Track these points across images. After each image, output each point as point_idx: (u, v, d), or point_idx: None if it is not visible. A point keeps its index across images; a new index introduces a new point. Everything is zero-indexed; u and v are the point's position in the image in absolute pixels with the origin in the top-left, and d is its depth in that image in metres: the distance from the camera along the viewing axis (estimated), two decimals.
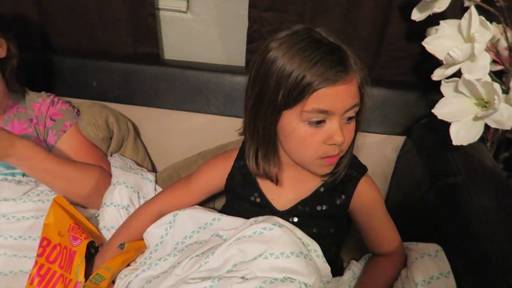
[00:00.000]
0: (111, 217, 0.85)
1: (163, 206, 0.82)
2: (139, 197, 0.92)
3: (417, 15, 0.84)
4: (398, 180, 1.03)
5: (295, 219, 0.74)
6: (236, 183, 0.79)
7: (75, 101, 1.05)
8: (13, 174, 0.90)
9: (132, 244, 0.78)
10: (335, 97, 0.63)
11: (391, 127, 1.04)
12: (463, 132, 0.79)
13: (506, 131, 0.86)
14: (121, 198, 0.89)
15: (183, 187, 0.83)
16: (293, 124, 0.65)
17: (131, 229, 0.82)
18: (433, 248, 0.75)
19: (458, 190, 0.79)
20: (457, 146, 0.81)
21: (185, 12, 1.11)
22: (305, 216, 0.75)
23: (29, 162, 0.85)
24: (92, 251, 0.79)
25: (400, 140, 1.04)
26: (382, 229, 0.78)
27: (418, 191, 0.90)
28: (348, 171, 0.75)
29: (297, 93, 0.62)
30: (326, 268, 0.72)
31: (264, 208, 0.76)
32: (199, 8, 1.10)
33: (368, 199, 0.76)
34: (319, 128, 0.65)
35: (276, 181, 0.74)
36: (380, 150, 1.05)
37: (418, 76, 1.02)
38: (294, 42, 0.63)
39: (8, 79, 0.94)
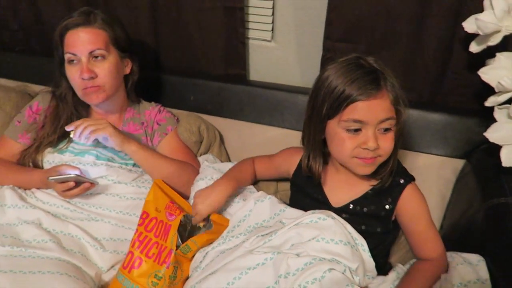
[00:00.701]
0: (200, 187, 1.03)
1: (256, 167, 1.07)
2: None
3: (474, 48, 0.93)
4: (455, 201, 1.08)
5: (347, 216, 0.86)
6: (301, 179, 0.95)
7: (175, 111, 1.30)
8: (126, 164, 1.15)
9: (219, 227, 0.95)
10: (368, 109, 0.77)
11: (451, 150, 1.10)
12: None
13: None
14: (208, 173, 1.08)
15: (267, 160, 1.08)
16: (335, 131, 0.81)
17: (240, 173, 1.04)
18: (475, 258, 0.81)
19: (507, 209, 0.84)
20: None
21: (269, 41, 1.31)
22: (354, 214, 0.87)
23: (138, 155, 1.09)
24: (183, 222, 0.98)
25: (459, 163, 1.10)
26: (425, 234, 0.86)
27: (470, 211, 0.96)
28: (395, 178, 0.86)
29: (337, 105, 0.78)
30: (371, 262, 0.82)
31: (322, 204, 0.90)
32: (282, 38, 1.29)
33: (413, 205, 0.86)
34: (356, 134, 0.79)
35: (318, 178, 0.90)
36: (439, 171, 1.11)
37: (480, 104, 1.08)
38: (343, 66, 0.80)
39: (128, 90, 1.21)
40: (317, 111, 0.82)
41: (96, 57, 1.06)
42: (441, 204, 1.11)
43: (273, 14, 1.26)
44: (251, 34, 1.31)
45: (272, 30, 1.29)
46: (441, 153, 1.12)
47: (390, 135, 0.80)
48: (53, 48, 1.10)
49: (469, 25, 0.91)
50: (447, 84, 1.11)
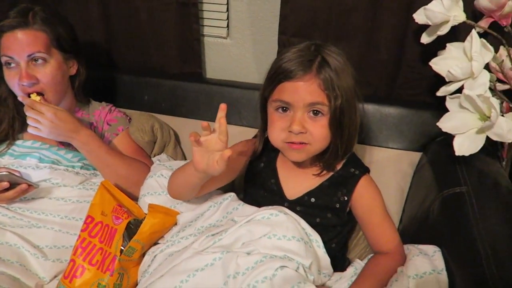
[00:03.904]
0: (149, 185, 0.99)
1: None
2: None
3: (425, 39, 0.93)
4: (413, 194, 1.07)
5: (301, 208, 0.83)
6: (258, 166, 0.91)
7: (128, 111, 1.24)
8: (73, 167, 1.07)
9: (165, 218, 0.89)
10: (293, 91, 0.76)
11: (407, 144, 1.10)
12: (466, 144, 0.84)
13: None
14: (158, 170, 1.03)
15: None
16: (269, 111, 0.80)
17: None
18: (431, 249, 0.79)
19: (462, 199, 0.83)
20: (468, 161, 0.87)
21: (225, 38, 1.28)
22: (309, 206, 0.84)
23: (87, 147, 1.02)
24: (132, 227, 0.91)
25: (416, 156, 1.09)
26: (380, 227, 0.84)
27: (426, 202, 0.95)
28: (350, 168, 0.84)
29: (269, 85, 0.78)
30: (326, 258, 0.79)
31: (277, 196, 0.86)
32: (237, 34, 1.26)
33: (367, 196, 0.84)
34: (284, 115, 0.78)
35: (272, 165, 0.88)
36: (396, 165, 1.11)
37: (435, 97, 1.08)
38: (292, 49, 0.78)
39: (76, 91, 1.13)
40: (261, 93, 0.82)
41: (36, 60, 0.98)
42: (400, 197, 1.10)
43: (227, 10, 1.23)
44: (206, 31, 1.28)
45: (228, 26, 1.26)
46: (398, 147, 1.11)
47: (321, 121, 0.77)
48: None
49: (420, 16, 0.91)
50: (402, 78, 1.11)
